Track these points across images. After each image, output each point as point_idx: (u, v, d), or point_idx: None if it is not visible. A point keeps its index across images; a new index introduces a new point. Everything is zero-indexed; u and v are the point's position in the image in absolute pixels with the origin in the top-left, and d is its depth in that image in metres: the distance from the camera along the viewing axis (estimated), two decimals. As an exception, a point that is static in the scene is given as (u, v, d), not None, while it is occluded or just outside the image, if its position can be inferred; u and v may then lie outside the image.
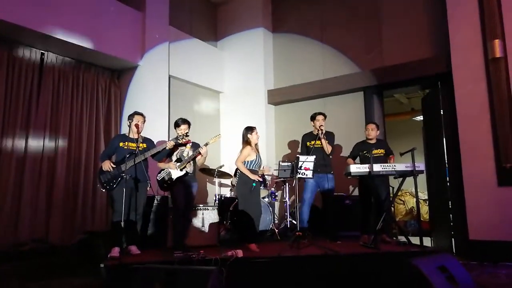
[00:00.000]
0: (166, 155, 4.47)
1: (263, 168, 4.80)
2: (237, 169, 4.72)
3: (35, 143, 5.26)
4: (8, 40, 5.03)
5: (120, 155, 4.28)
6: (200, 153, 4.41)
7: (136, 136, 4.35)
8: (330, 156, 5.04)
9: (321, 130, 4.87)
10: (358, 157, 5.16)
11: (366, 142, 5.11)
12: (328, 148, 4.93)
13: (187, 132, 4.41)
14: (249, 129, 4.64)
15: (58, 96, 5.55)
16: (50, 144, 5.40)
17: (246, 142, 4.61)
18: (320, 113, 5.06)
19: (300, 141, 5.32)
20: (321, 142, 4.88)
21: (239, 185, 4.58)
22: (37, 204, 5.19)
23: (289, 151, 7.07)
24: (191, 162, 4.46)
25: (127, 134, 4.44)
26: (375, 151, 4.84)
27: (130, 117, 4.39)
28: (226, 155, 7.33)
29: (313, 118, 5.07)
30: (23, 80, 5.19)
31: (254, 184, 4.43)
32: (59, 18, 5.09)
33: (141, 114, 4.44)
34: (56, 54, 5.54)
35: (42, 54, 5.43)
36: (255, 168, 4.57)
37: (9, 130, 5.03)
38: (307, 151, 4.95)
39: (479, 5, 5.18)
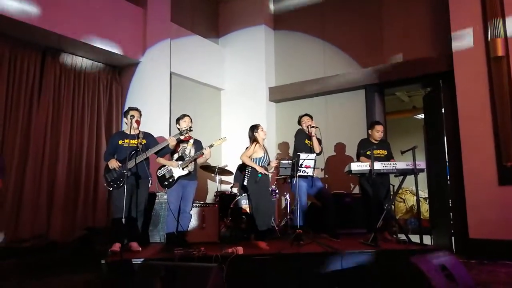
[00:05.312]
0: (169, 151, 4.44)
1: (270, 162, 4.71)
2: (245, 166, 4.59)
3: (37, 140, 5.25)
4: (8, 37, 5.03)
5: (121, 153, 4.21)
6: (202, 154, 4.38)
7: (136, 132, 4.32)
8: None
9: (314, 127, 4.86)
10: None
11: (369, 140, 5.10)
12: (318, 148, 4.93)
13: (190, 126, 4.36)
14: (255, 127, 4.59)
15: (60, 92, 5.55)
16: (51, 140, 5.40)
17: (254, 140, 4.54)
18: (305, 115, 5.09)
19: (294, 136, 5.16)
20: (311, 141, 4.90)
21: (250, 183, 4.47)
22: (38, 200, 5.19)
23: (290, 149, 7.05)
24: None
25: (126, 131, 4.37)
26: (377, 151, 4.82)
27: (126, 113, 4.33)
28: (227, 152, 7.33)
29: (299, 122, 5.11)
30: (24, 77, 5.19)
31: (259, 175, 4.35)
32: (60, 14, 5.09)
33: (136, 109, 4.37)
34: (57, 50, 5.54)
35: (43, 50, 5.42)
36: (263, 165, 4.50)
37: (11, 127, 5.03)
38: (304, 148, 4.95)
39: (482, 4, 5.17)
